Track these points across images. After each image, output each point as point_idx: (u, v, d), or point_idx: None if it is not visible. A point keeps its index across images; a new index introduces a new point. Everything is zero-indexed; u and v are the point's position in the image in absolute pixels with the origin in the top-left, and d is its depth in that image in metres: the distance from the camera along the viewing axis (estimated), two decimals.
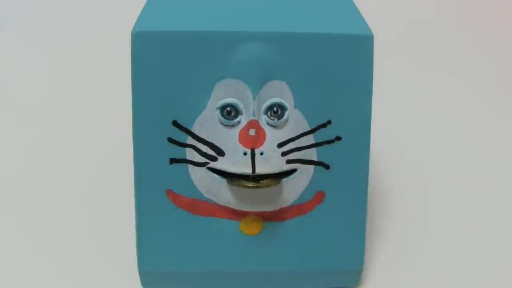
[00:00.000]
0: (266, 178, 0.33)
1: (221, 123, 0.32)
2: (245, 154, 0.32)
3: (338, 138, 0.33)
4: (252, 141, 0.32)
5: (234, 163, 0.32)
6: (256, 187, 0.32)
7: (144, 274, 0.35)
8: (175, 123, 0.33)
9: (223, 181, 0.33)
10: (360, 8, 0.36)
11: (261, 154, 0.32)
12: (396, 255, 0.40)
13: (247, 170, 0.32)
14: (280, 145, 0.32)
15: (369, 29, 0.32)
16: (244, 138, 0.32)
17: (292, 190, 0.34)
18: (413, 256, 0.40)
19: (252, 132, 0.32)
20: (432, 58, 0.72)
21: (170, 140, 0.33)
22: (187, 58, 0.32)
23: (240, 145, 0.32)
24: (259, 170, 0.32)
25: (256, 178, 0.33)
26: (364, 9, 0.36)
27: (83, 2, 0.82)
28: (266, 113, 0.32)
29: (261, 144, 0.32)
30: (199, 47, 0.31)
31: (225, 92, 0.32)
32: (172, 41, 0.31)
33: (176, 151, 0.33)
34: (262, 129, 0.32)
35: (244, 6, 0.35)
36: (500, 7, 0.85)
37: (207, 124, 0.32)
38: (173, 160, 0.33)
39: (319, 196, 0.34)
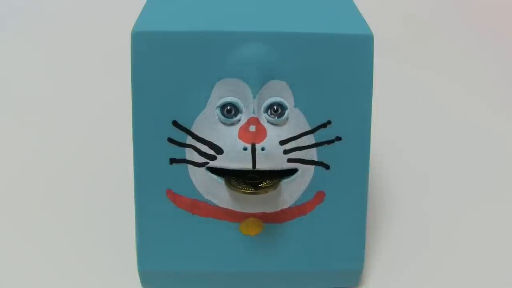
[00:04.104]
0: (266, 176, 0.33)
1: (221, 122, 0.32)
2: (245, 149, 0.31)
3: (338, 138, 0.33)
4: (252, 137, 0.31)
5: (234, 159, 0.32)
6: (254, 193, 0.32)
7: (144, 273, 0.35)
8: (175, 123, 0.33)
9: (222, 182, 0.33)
10: (360, 8, 0.36)
11: (262, 149, 0.31)
12: (396, 255, 0.40)
13: (247, 166, 0.32)
14: (282, 142, 0.32)
15: (369, 29, 0.32)
16: (244, 134, 0.32)
17: (293, 191, 0.34)
18: (413, 256, 0.40)
19: (252, 128, 0.32)
20: (432, 58, 0.72)
21: (170, 140, 0.33)
22: (187, 58, 0.32)
23: (240, 141, 0.32)
24: (260, 165, 0.32)
25: (255, 177, 0.33)
26: (364, 9, 0.36)
27: (83, 2, 0.82)
28: (266, 111, 0.32)
29: (261, 140, 0.32)
30: (199, 47, 0.31)
31: (225, 91, 0.32)
32: (172, 41, 0.31)
33: (176, 151, 0.33)
34: (263, 126, 0.32)
35: (244, 6, 0.35)
36: (501, 7, 0.85)
37: (207, 123, 0.32)
38: (173, 160, 0.33)
39: (319, 196, 0.34)
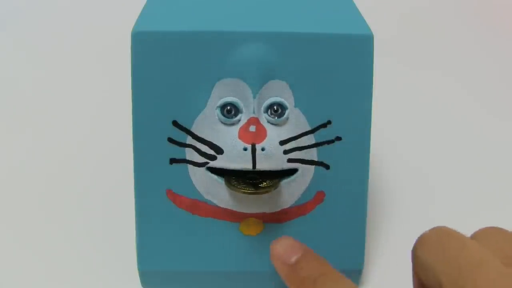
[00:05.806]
0: (266, 176, 0.33)
1: (221, 122, 0.32)
2: (245, 149, 0.31)
3: (338, 138, 0.33)
4: (253, 137, 0.31)
5: (234, 160, 0.32)
6: (254, 193, 0.32)
7: (144, 273, 0.35)
8: (175, 123, 0.33)
9: (222, 182, 0.33)
10: (360, 8, 0.36)
11: (262, 150, 0.31)
12: (396, 255, 0.40)
13: (248, 166, 0.32)
14: (282, 142, 0.32)
15: (369, 29, 0.32)
16: (244, 134, 0.32)
17: (293, 191, 0.34)
18: None
19: (252, 128, 0.32)
20: (432, 58, 0.72)
21: (170, 140, 0.33)
22: (187, 58, 0.32)
23: (240, 141, 0.32)
24: (260, 166, 0.32)
25: (255, 177, 0.33)
26: (364, 9, 0.36)
27: (83, 2, 0.82)
28: (266, 111, 0.32)
29: (261, 140, 0.32)
30: (199, 47, 0.31)
31: (225, 91, 0.32)
32: (172, 41, 0.31)
33: (176, 151, 0.33)
34: (263, 126, 0.32)
35: (244, 6, 0.35)
36: (501, 7, 0.85)
37: (207, 123, 0.32)
38: (173, 160, 0.33)
39: (319, 196, 0.34)
